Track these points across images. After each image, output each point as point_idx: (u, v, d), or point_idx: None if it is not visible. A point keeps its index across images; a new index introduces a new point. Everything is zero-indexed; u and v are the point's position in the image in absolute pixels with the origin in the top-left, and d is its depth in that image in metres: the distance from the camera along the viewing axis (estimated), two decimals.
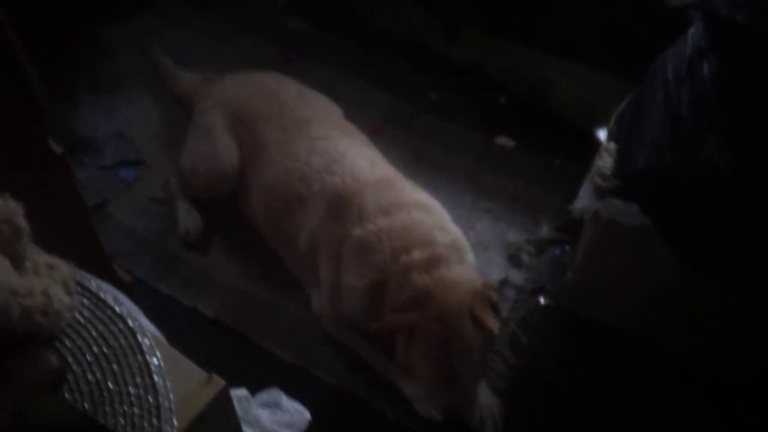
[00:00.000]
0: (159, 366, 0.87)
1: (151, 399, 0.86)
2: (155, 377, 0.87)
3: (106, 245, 2.04)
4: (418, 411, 1.74)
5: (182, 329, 1.91)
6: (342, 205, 1.80)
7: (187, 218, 2.13)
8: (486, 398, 1.79)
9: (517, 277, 2.10)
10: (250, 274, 2.07)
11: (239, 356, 1.88)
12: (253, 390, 1.47)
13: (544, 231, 2.21)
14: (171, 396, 0.85)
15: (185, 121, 2.25)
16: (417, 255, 1.66)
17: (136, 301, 1.22)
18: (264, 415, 1.14)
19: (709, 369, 1.84)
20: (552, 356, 1.95)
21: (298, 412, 1.22)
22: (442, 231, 1.76)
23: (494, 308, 1.64)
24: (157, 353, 0.90)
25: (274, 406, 1.21)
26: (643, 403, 1.84)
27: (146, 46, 2.52)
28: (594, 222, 1.73)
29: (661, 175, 1.54)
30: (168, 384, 0.86)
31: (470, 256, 1.81)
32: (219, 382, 0.89)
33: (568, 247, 2.15)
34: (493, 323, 1.61)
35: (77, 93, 2.51)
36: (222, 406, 0.90)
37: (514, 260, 2.14)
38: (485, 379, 1.83)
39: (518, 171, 2.35)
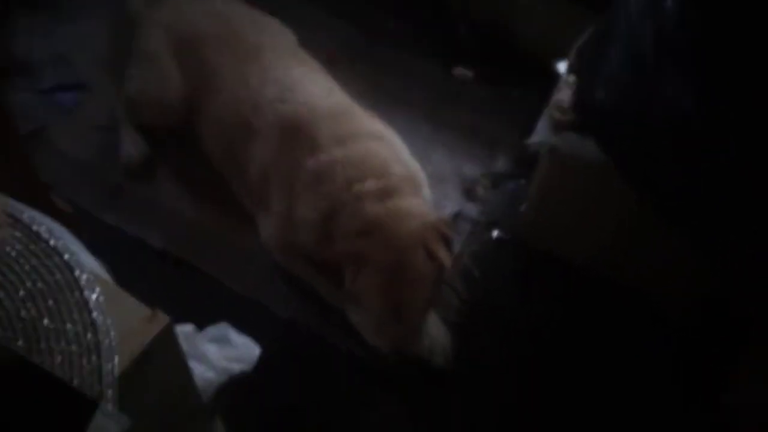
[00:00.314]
0: (98, 302, 0.83)
1: (89, 336, 0.81)
2: (94, 313, 0.82)
3: (45, 174, 1.94)
4: (368, 341, 1.74)
5: (127, 261, 1.83)
6: (295, 135, 1.74)
7: (130, 146, 2.05)
8: (437, 330, 1.80)
9: (471, 210, 2.09)
10: (201, 206, 2.01)
11: (188, 289, 1.84)
12: (202, 324, 1.44)
13: (500, 164, 2.20)
14: (112, 333, 0.81)
15: (131, 43, 2.12)
16: (371, 185, 1.64)
17: (78, 233, 1.17)
18: (212, 350, 1.11)
19: (663, 306, 1.88)
20: (505, 290, 1.97)
21: (247, 346, 1.20)
22: (397, 162, 1.72)
23: (447, 243, 1.63)
24: (97, 288, 0.85)
25: (223, 340, 1.18)
26: (598, 339, 1.87)
27: None
28: (550, 156, 1.71)
29: (620, 111, 1.52)
30: (109, 321, 0.81)
31: (426, 191, 1.78)
32: (163, 318, 0.85)
33: (523, 181, 2.14)
34: (444, 256, 1.61)
35: (11, 11, 2.34)
36: (167, 343, 0.86)
37: (469, 193, 2.13)
38: (437, 311, 1.84)
39: (476, 103, 2.30)
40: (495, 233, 2.07)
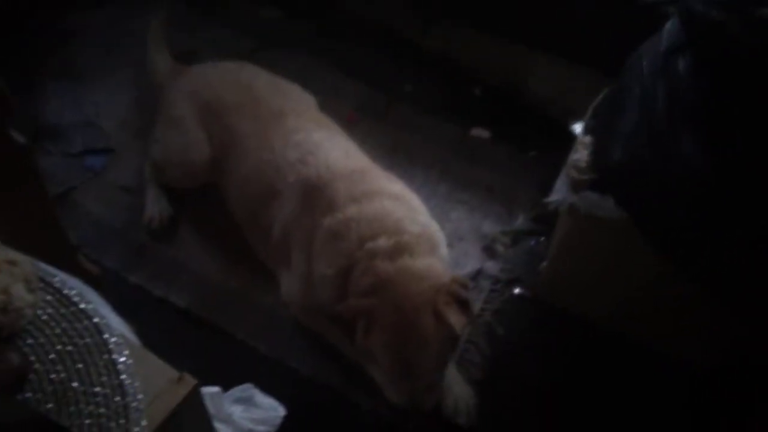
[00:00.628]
0: (126, 364, 0.84)
1: (118, 399, 0.83)
2: (122, 376, 0.84)
3: (73, 235, 2.00)
4: (388, 397, 1.73)
5: (152, 321, 1.88)
6: (315, 196, 1.77)
7: (154, 206, 2.10)
8: (460, 388, 1.79)
9: (492, 267, 2.10)
10: (223, 265, 2.04)
11: (211, 348, 1.86)
12: (227, 384, 1.45)
13: (520, 222, 2.21)
14: (139, 396, 0.82)
15: (156, 109, 2.19)
16: (383, 242, 1.65)
17: (104, 293, 1.20)
18: (237, 411, 1.12)
19: (683, 358, 1.85)
20: (527, 347, 1.96)
21: (272, 408, 1.20)
22: (412, 221, 1.74)
23: (462, 304, 1.60)
24: (125, 351, 0.87)
25: (248, 402, 1.18)
26: (618, 395, 1.85)
27: (154, 18, 2.40)
28: (570, 214, 1.73)
29: (636, 170, 1.54)
30: (136, 383, 0.83)
31: (443, 250, 1.79)
32: (190, 381, 0.86)
33: (543, 239, 2.15)
34: (456, 320, 1.57)
35: (41, 81, 2.44)
36: (193, 406, 0.88)
37: (489, 251, 2.14)
38: (460, 369, 1.84)
39: (493, 162, 2.33)
40: (516, 290, 2.06)
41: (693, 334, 1.78)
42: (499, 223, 2.20)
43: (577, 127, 1.83)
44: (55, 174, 2.17)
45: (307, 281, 1.78)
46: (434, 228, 1.82)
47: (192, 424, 0.90)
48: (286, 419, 1.44)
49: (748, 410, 1.73)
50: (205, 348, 1.86)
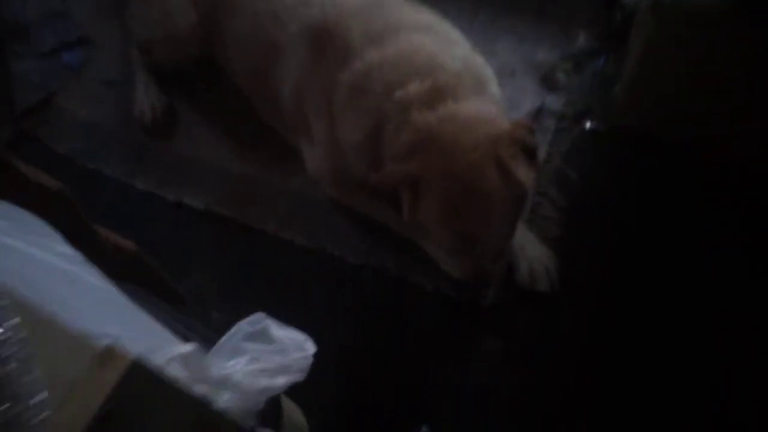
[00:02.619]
0: (16, 342, 0.52)
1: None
2: (10, 363, 0.50)
3: (63, 144, 1.73)
4: (449, 273, 1.46)
5: (169, 229, 1.62)
6: (324, 44, 1.42)
7: (145, 97, 1.78)
8: (536, 251, 1.49)
9: (555, 102, 1.76)
10: (238, 153, 1.73)
11: (242, 251, 1.59)
12: (268, 299, 1.17)
13: (581, 42, 1.84)
14: (39, 396, 0.49)
15: None
16: (416, 87, 1.30)
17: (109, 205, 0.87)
18: (239, 364, 0.75)
19: None
20: (607, 189, 1.65)
21: (296, 345, 0.81)
22: (450, 56, 1.36)
23: (529, 153, 1.27)
24: (15, 320, 0.52)
25: (261, 338, 0.80)
26: (720, 226, 1.53)
27: None
28: (653, 12, 1.35)
29: None
30: (34, 371, 0.51)
31: (494, 89, 1.42)
32: (123, 356, 0.53)
33: (612, 57, 1.77)
34: (524, 173, 1.25)
35: None
36: (138, 390, 0.55)
37: (548, 83, 1.79)
38: (533, 228, 1.53)
39: None
40: (588, 124, 1.72)
41: None
42: (557, 48, 1.86)
43: None
44: (30, 79, 1.87)
45: (333, 151, 1.47)
46: (479, 62, 1.44)
47: (149, 415, 0.57)
48: (341, 323, 1.17)
49: None
50: (235, 252, 1.59)
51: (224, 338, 0.76)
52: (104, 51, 1.93)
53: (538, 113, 1.73)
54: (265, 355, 0.73)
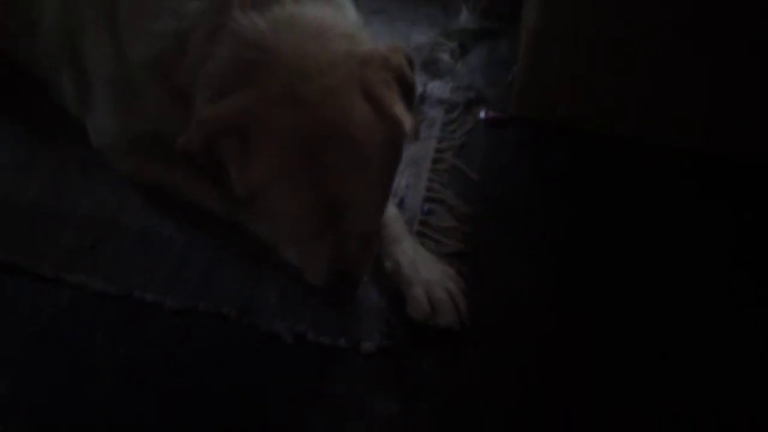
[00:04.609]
0: None
1: None
2: None
3: None
4: (303, 275, 1.03)
5: None
6: None
7: None
8: (434, 272, 1.09)
9: (440, 88, 1.47)
10: None
11: None
12: None
13: (464, 18, 1.57)
14: None
15: None
16: None
17: None
18: None
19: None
20: (514, 188, 1.32)
21: None
22: None
23: (405, 87, 0.92)
24: None
25: None
26: (641, 205, 1.29)
27: None
28: None
29: None
30: None
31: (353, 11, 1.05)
32: None
33: (503, 34, 1.51)
34: (403, 112, 0.90)
35: None
36: None
37: (431, 68, 1.50)
38: (427, 244, 1.14)
39: None
40: (482, 114, 1.42)
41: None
42: (434, 27, 1.60)
43: None
44: None
45: (123, 92, 1.05)
46: None
47: None
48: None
49: None
50: None
51: None
52: None
53: (420, 102, 1.39)
54: None
